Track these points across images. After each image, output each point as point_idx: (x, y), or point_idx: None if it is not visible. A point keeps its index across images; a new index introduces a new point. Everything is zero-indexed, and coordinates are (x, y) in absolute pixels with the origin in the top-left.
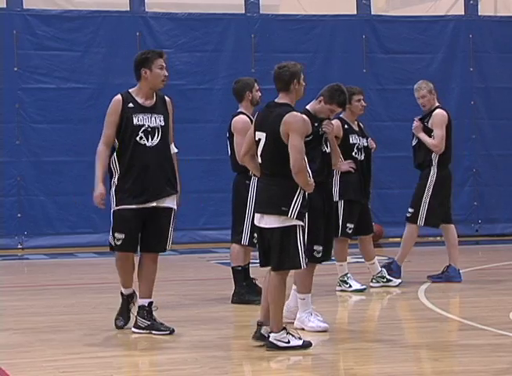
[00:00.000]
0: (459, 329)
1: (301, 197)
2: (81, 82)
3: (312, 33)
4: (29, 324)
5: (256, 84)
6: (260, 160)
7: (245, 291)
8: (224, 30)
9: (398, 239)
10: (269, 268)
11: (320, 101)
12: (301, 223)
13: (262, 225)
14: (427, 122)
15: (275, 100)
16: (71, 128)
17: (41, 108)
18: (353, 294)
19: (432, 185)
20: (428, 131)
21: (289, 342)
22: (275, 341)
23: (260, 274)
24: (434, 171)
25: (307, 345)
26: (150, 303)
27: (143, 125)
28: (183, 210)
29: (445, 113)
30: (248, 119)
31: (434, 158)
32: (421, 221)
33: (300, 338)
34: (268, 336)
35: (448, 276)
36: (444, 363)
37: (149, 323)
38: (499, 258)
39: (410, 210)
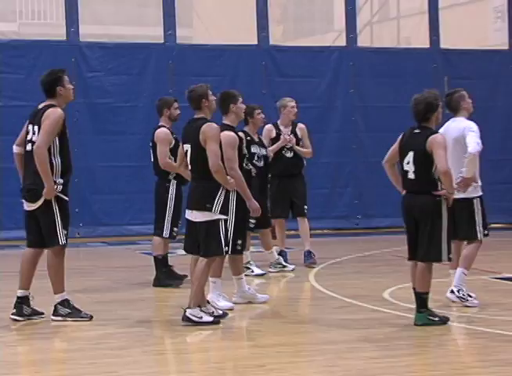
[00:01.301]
0: (342, 306)
1: (223, 196)
2: (24, 101)
3: (220, 60)
4: None
5: (175, 103)
6: (190, 167)
7: (164, 276)
8: (146, 57)
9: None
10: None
11: (232, 109)
12: (224, 217)
13: (192, 219)
14: (296, 134)
15: (194, 116)
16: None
17: None
18: (255, 278)
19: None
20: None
21: (201, 318)
22: (190, 316)
23: (176, 262)
24: (303, 174)
25: (216, 322)
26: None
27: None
28: (112, 208)
29: None
30: (168, 131)
31: (303, 164)
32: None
33: (211, 316)
34: (185, 311)
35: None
36: (329, 334)
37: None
38: (375, 247)
39: (306, 207)
